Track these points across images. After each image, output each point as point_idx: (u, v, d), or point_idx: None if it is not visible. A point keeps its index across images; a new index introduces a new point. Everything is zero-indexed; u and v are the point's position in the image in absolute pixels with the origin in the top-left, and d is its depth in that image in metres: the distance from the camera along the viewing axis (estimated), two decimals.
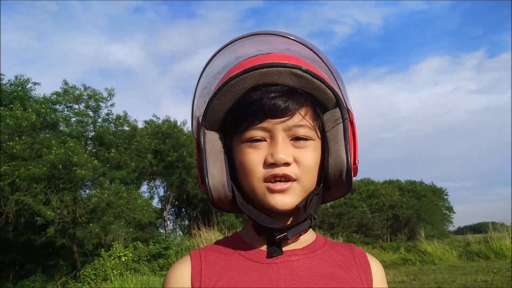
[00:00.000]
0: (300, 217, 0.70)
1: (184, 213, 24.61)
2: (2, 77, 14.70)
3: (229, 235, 0.81)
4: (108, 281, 11.30)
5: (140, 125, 17.97)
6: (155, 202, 22.05)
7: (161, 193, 22.90)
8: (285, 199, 0.68)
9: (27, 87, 15.39)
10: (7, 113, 12.08)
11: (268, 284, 0.67)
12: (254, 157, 0.69)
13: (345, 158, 0.70)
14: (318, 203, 0.73)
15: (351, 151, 0.72)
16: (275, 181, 0.69)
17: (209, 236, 13.30)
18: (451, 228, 37.88)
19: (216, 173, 0.71)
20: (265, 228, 0.70)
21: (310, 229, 0.77)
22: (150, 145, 16.99)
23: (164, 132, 18.47)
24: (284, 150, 0.68)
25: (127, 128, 15.97)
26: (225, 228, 15.13)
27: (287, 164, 0.68)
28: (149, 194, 21.93)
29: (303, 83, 0.71)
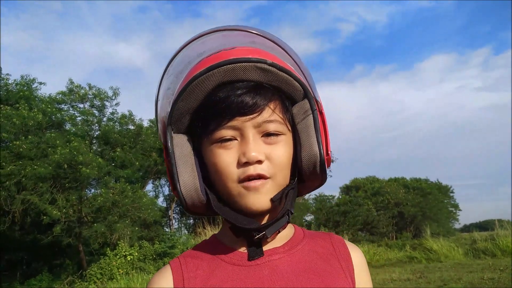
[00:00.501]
0: (277, 214, 0.68)
1: None
2: (8, 76, 14.83)
3: (207, 239, 0.78)
4: (114, 280, 11.36)
5: (145, 124, 18.02)
6: (160, 201, 22.13)
7: (166, 192, 22.95)
8: (260, 199, 0.66)
9: (33, 86, 15.51)
10: (14, 112, 12.15)
11: (253, 285, 0.66)
12: (226, 158, 0.67)
13: (317, 150, 0.69)
14: (294, 197, 0.71)
15: (323, 142, 0.70)
16: (249, 180, 0.67)
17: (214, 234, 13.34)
18: (457, 225, 37.71)
19: (188, 178, 0.68)
20: (243, 229, 0.67)
21: (289, 224, 0.76)
22: (155, 144, 17.02)
23: None
24: (256, 148, 0.66)
25: (132, 127, 16.01)
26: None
27: (259, 162, 0.66)
28: (154, 193, 22.01)
29: (269, 77, 0.68)
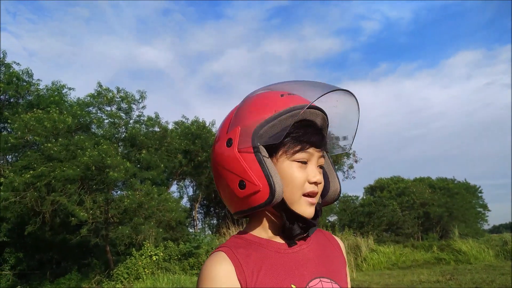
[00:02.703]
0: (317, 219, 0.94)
1: (213, 212, 24.82)
2: (39, 82, 15.32)
3: (235, 235, 0.96)
4: (140, 280, 11.52)
5: (170, 126, 18.25)
6: (184, 202, 22.35)
7: (190, 193, 23.18)
8: (312, 210, 0.91)
9: (63, 92, 15.98)
10: (45, 116, 12.50)
11: (295, 268, 0.88)
12: (301, 174, 0.89)
13: (338, 184, 0.99)
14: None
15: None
16: (309, 196, 0.90)
17: None
18: (486, 226, 36.69)
19: (279, 182, 0.86)
20: (310, 225, 0.91)
21: None
22: (180, 146, 17.21)
23: (194, 133, 18.67)
24: (318, 174, 0.91)
25: (158, 129, 16.21)
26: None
27: (318, 183, 0.91)
28: (178, 193, 22.25)
29: (323, 124, 0.96)
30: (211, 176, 18.75)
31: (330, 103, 0.95)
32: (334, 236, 1.07)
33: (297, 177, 0.88)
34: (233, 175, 0.88)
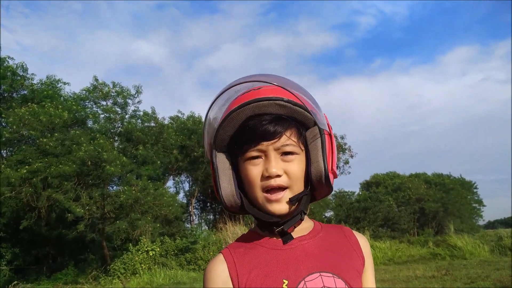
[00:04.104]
0: (294, 213, 0.90)
1: (209, 207, 24.83)
2: (33, 76, 15.20)
3: (245, 233, 1.00)
4: (137, 275, 11.53)
5: (166, 121, 18.18)
6: (181, 197, 22.33)
7: (186, 188, 23.17)
8: (281, 206, 0.88)
9: (57, 86, 15.87)
10: (41, 110, 12.41)
11: (290, 263, 0.87)
12: (254, 172, 0.88)
13: (323, 166, 0.89)
14: (308, 201, 0.93)
15: (328, 160, 0.90)
16: (271, 190, 0.87)
17: (235, 230, 13.37)
18: (481, 222, 36.95)
19: (227, 186, 0.91)
20: (267, 223, 0.90)
21: (308, 219, 0.99)
22: (176, 141, 17.15)
23: (190, 128, 18.62)
24: (275, 165, 0.87)
25: (154, 124, 16.14)
26: (251, 222, 15.18)
27: (278, 175, 0.87)
28: (174, 189, 22.22)
29: (286, 111, 0.90)
30: (207, 172, 18.75)
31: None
32: (355, 233, 1.02)
33: (250, 175, 0.89)
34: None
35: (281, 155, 0.89)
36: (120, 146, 14.78)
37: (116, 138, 15.09)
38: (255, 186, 0.88)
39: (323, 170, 0.89)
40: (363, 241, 1.00)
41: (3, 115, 13.24)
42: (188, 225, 21.08)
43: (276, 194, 0.87)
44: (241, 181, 0.93)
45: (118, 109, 14.78)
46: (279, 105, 0.89)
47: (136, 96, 14.96)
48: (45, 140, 11.78)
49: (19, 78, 14.60)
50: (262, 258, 0.89)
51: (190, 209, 22.13)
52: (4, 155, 14.97)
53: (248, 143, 0.89)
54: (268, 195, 0.88)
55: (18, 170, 11.42)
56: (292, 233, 0.92)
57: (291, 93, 0.91)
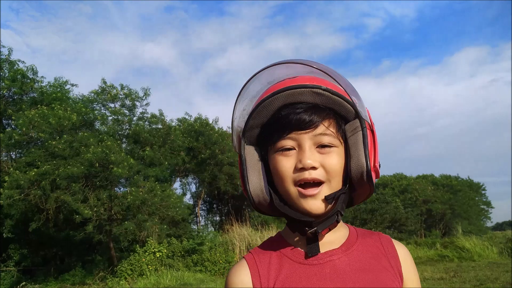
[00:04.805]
0: (330, 213, 0.80)
1: (216, 208, 24.85)
2: (42, 79, 15.34)
3: (273, 236, 0.92)
4: (144, 276, 11.57)
5: (174, 123, 18.26)
6: (187, 198, 22.38)
7: (193, 189, 23.20)
8: (316, 204, 0.79)
9: (66, 88, 15.99)
10: (50, 112, 12.51)
11: (317, 284, 0.78)
12: (285, 164, 0.80)
13: (364, 161, 0.79)
14: (345, 201, 0.83)
15: (371, 155, 0.81)
16: (306, 185, 0.79)
17: (241, 231, 13.40)
18: (489, 224, 36.60)
19: (255, 180, 0.83)
20: (297, 222, 0.80)
21: (343, 224, 0.89)
22: (184, 143, 17.20)
23: (197, 130, 18.67)
24: (311, 156, 0.79)
25: (161, 126, 16.21)
26: (257, 224, 15.18)
27: (314, 168, 0.78)
28: (181, 190, 22.27)
29: (324, 100, 0.81)
30: (214, 173, 18.78)
31: None
32: (395, 242, 0.90)
33: (281, 167, 0.81)
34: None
35: (317, 148, 0.80)
36: (128, 148, 14.85)
37: (124, 140, 15.17)
38: (286, 179, 0.80)
39: (365, 166, 0.79)
40: (403, 252, 0.88)
41: (13, 117, 13.37)
42: (194, 227, 21.13)
43: (312, 189, 0.78)
44: (271, 177, 0.85)
45: (126, 111, 14.87)
46: (316, 93, 0.81)
47: (144, 98, 15.05)
48: (53, 142, 11.87)
49: (29, 81, 14.73)
50: (284, 272, 0.81)
51: (196, 211, 22.17)
52: (13, 157, 15.10)
53: (280, 133, 0.81)
54: (302, 190, 0.79)
55: (27, 172, 11.51)
56: (321, 244, 0.83)
57: (333, 79, 0.83)
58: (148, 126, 15.66)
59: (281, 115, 0.81)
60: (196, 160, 18.82)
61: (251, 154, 0.85)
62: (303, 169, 0.78)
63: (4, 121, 15.71)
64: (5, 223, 13.65)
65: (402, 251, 0.88)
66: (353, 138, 0.82)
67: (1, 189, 11.50)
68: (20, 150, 14.37)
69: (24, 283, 12.17)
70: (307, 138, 0.80)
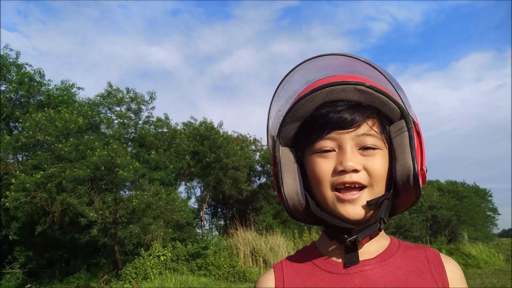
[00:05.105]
0: (371, 220, 0.73)
1: (220, 213, 24.86)
2: (49, 82, 15.48)
3: (307, 245, 0.86)
4: (148, 279, 11.58)
5: (179, 127, 18.33)
6: (192, 202, 22.41)
7: (198, 193, 23.24)
8: (355, 209, 0.72)
9: (72, 91, 16.13)
10: (57, 115, 12.62)
11: None
12: (324, 166, 0.74)
13: (411, 164, 0.72)
14: (389, 208, 0.76)
15: (418, 158, 0.73)
16: (345, 189, 0.72)
17: (246, 236, 13.37)
18: (495, 230, 36.31)
19: (290, 183, 0.76)
20: (336, 229, 0.73)
21: (384, 234, 0.81)
22: (189, 147, 17.25)
23: (202, 134, 18.72)
24: (353, 158, 0.72)
25: (166, 130, 16.28)
26: (262, 229, 15.15)
27: (356, 171, 0.72)
28: (186, 194, 22.31)
29: (367, 98, 0.75)
30: (218, 177, 18.79)
31: None
32: (443, 256, 0.80)
33: (319, 169, 0.74)
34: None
35: (359, 149, 0.74)
36: (133, 152, 14.92)
37: (130, 144, 15.24)
38: (324, 182, 0.73)
39: (412, 169, 0.72)
40: (452, 268, 0.77)
41: (20, 120, 13.49)
42: (199, 231, 21.13)
43: (351, 194, 0.72)
44: (307, 180, 0.79)
45: (132, 114, 14.96)
46: (359, 90, 0.75)
47: (149, 102, 15.14)
48: (60, 145, 11.95)
49: (36, 84, 14.88)
50: (313, 282, 0.75)
51: (201, 215, 22.19)
52: (20, 160, 15.21)
53: (319, 132, 0.75)
54: (340, 194, 0.72)
55: (33, 175, 11.59)
56: (363, 254, 0.76)
57: (381, 74, 0.77)
58: (153, 130, 15.74)
59: (320, 113, 0.75)
60: (201, 164, 18.85)
61: (286, 156, 0.79)
62: (344, 171, 0.71)
63: (11, 124, 15.86)
64: (11, 225, 13.73)
65: (451, 266, 0.77)
66: (399, 139, 0.76)
67: (8, 191, 11.59)
68: (26, 153, 14.48)
69: (29, 285, 12.23)
70: (348, 139, 0.73)
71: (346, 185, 0.72)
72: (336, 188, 0.73)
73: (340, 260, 0.77)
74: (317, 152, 0.75)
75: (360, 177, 0.72)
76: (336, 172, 0.72)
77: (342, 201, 0.72)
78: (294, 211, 0.78)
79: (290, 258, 0.84)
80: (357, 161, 0.72)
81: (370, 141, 0.74)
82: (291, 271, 0.79)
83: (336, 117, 0.73)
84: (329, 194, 0.73)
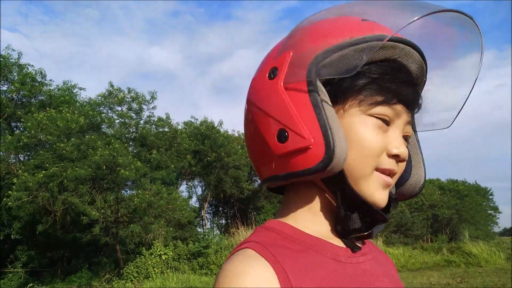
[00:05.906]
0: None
1: (221, 212, 24.89)
2: (51, 82, 15.54)
3: (268, 228, 0.64)
4: (150, 279, 11.61)
5: (180, 126, 18.38)
6: (193, 201, 22.45)
7: (199, 192, 23.28)
8: (386, 197, 0.61)
9: (73, 91, 16.19)
10: (58, 115, 12.66)
11: (352, 284, 0.57)
12: (380, 140, 0.58)
13: (423, 174, 0.66)
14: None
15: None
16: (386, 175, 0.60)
17: (247, 235, 13.38)
18: (496, 229, 36.33)
19: (344, 142, 0.55)
20: (374, 214, 0.60)
21: None
22: (190, 146, 17.30)
23: (203, 133, 18.76)
24: (404, 146, 0.60)
25: (167, 130, 16.33)
26: None
27: (403, 160, 0.61)
28: (187, 193, 22.36)
29: (422, 80, 0.65)
30: (219, 176, 18.82)
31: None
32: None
33: (372, 141, 0.58)
34: (271, 120, 0.58)
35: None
36: (135, 151, 14.96)
37: (131, 143, 15.28)
38: (370, 156, 0.58)
39: (423, 180, 0.66)
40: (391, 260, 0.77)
41: (22, 120, 13.56)
42: (200, 230, 21.17)
43: (389, 180, 0.60)
44: None
45: (133, 114, 15.00)
46: (420, 67, 0.63)
47: (151, 102, 15.18)
48: (61, 145, 11.99)
49: (37, 84, 14.93)
50: (317, 269, 0.57)
51: (202, 214, 22.22)
52: (22, 160, 15.26)
53: (388, 95, 0.58)
54: (386, 178, 0.60)
55: (35, 174, 11.63)
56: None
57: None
58: (154, 129, 15.78)
59: (397, 74, 0.59)
60: (202, 163, 18.89)
61: (326, 98, 0.57)
62: (396, 157, 0.59)
63: (13, 124, 15.91)
64: (13, 225, 13.79)
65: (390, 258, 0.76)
66: (413, 138, 0.67)
67: (10, 191, 11.64)
68: (28, 153, 14.53)
69: (31, 284, 12.26)
70: (404, 120, 0.61)
71: (387, 173, 0.60)
72: (379, 170, 0.60)
73: (339, 244, 0.62)
74: (376, 117, 0.59)
75: (399, 169, 0.62)
76: (388, 154, 0.59)
77: (385, 186, 0.60)
78: (328, 173, 0.56)
79: (271, 243, 0.58)
80: (405, 151, 0.60)
81: (409, 131, 0.63)
82: (285, 258, 0.56)
83: (410, 91, 0.60)
84: (369, 171, 0.58)
